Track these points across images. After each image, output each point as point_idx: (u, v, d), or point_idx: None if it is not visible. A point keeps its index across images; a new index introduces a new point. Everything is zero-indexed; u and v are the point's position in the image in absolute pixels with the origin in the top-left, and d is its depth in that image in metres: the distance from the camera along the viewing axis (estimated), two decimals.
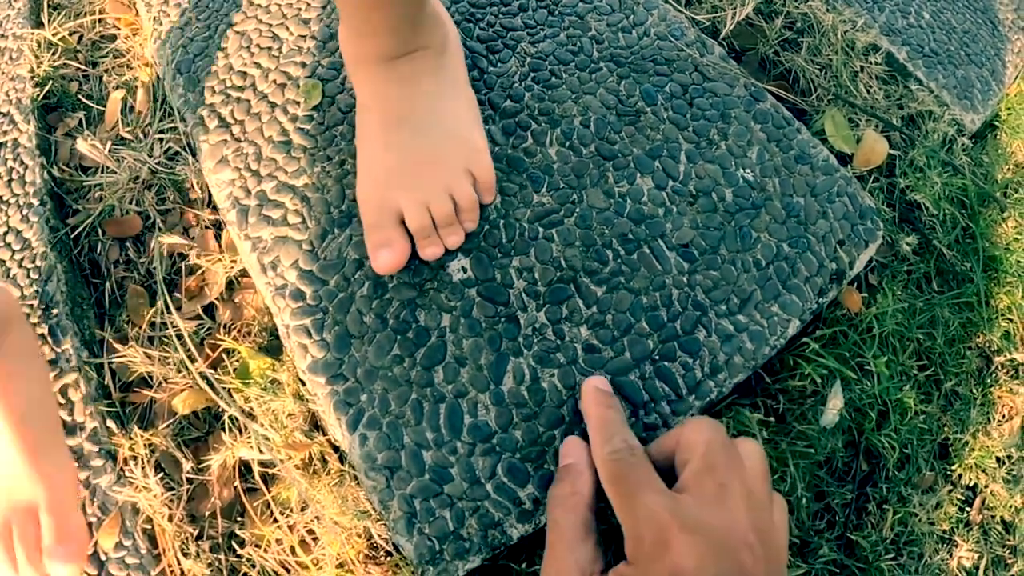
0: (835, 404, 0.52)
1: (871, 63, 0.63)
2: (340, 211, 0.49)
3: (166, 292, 0.55)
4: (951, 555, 0.55)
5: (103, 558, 0.50)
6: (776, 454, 0.50)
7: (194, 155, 0.58)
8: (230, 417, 0.49)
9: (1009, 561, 0.57)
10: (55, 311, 0.58)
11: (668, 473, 0.36)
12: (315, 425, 0.48)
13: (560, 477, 0.39)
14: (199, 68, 0.59)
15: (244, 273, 0.54)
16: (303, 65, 0.56)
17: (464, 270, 0.46)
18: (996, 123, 0.69)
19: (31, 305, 0.59)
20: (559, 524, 0.36)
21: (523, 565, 0.44)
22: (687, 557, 0.30)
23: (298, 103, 0.54)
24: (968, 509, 0.58)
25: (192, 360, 0.52)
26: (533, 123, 0.52)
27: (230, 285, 0.55)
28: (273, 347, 0.51)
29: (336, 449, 0.47)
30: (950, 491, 0.56)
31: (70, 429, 0.53)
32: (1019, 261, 0.63)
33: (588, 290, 0.46)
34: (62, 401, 0.54)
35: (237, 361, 0.50)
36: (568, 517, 0.36)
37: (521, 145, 0.51)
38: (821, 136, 0.59)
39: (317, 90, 0.54)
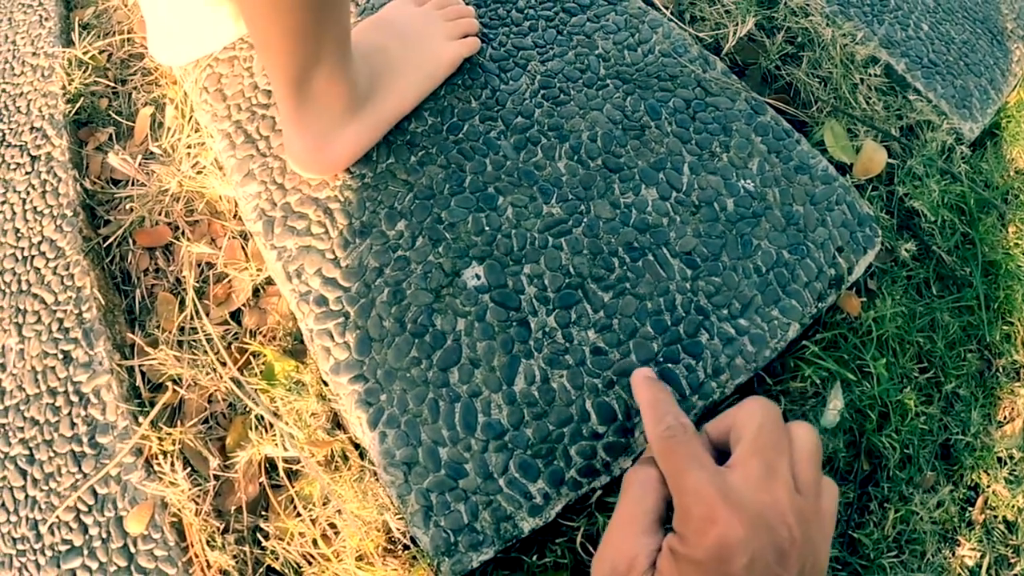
0: (835, 405, 0.53)
1: (870, 75, 0.65)
2: (361, 222, 0.51)
3: (196, 299, 0.58)
4: (953, 553, 0.56)
5: (132, 550, 0.53)
6: None
7: (221, 169, 0.61)
8: (256, 416, 0.51)
9: (1012, 560, 0.58)
10: (88, 316, 0.61)
11: (724, 452, 0.38)
12: (337, 424, 0.50)
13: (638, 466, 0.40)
14: (225, 86, 0.62)
15: (269, 281, 0.57)
16: None
17: (478, 277, 0.49)
18: (996, 131, 0.71)
19: (65, 310, 0.63)
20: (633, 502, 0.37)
21: (534, 558, 0.46)
22: (732, 530, 0.32)
23: None
24: (970, 509, 0.59)
25: (223, 364, 0.54)
26: (543, 138, 0.54)
27: (256, 292, 0.58)
28: (297, 350, 0.53)
29: (357, 446, 0.49)
30: (952, 491, 0.57)
31: (103, 427, 0.56)
32: (1019, 266, 0.64)
33: (595, 296, 0.48)
34: (95, 401, 0.58)
35: (263, 364, 0.53)
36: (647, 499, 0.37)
37: (531, 159, 0.53)
38: (821, 147, 0.61)
39: None
